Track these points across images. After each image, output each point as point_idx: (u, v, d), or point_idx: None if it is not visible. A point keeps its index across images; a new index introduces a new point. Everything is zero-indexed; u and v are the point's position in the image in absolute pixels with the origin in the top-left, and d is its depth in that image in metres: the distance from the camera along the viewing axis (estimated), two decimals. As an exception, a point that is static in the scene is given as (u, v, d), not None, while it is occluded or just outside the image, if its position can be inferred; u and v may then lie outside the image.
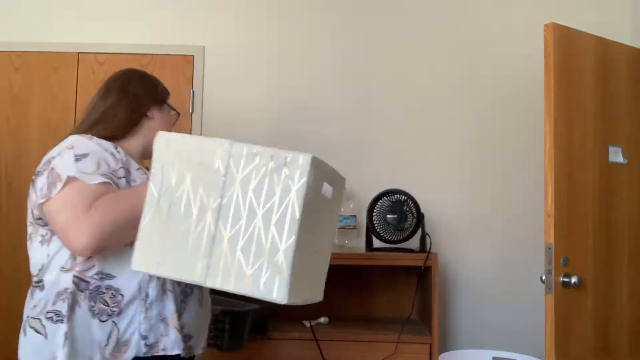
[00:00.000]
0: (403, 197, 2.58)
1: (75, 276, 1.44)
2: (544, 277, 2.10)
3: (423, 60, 3.10)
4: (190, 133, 3.07)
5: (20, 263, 3.01)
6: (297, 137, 3.07)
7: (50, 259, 1.48)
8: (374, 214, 2.62)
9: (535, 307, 2.95)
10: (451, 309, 2.98)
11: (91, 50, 3.11)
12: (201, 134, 3.08)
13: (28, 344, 1.46)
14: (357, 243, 2.87)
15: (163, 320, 1.49)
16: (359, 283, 2.89)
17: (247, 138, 2.99)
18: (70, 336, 1.40)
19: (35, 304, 1.47)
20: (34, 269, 1.53)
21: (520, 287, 2.96)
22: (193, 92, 3.09)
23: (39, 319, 1.44)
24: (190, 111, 3.08)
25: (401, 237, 2.56)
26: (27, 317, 1.48)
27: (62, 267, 1.46)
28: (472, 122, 3.06)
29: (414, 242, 2.71)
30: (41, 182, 1.52)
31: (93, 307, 1.44)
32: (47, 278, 1.47)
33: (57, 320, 1.42)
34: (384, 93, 3.09)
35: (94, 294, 1.44)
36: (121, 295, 1.45)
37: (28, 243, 1.58)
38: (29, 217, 1.62)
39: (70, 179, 1.46)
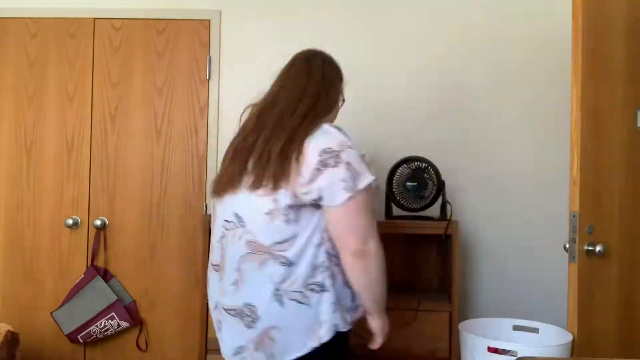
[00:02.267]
0: (423, 164, 2.53)
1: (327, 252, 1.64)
2: (567, 246, 2.05)
3: (443, 21, 3.01)
4: (208, 99, 3.05)
5: (38, 214, 3.05)
6: (315, 104, 3.02)
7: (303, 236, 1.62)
8: (394, 181, 2.58)
9: (558, 276, 2.92)
10: (472, 278, 2.96)
11: (107, 15, 3.08)
12: (218, 101, 3.05)
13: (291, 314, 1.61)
14: (377, 210, 2.84)
15: None
16: (378, 251, 2.87)
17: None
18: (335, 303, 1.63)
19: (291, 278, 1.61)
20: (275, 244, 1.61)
21: (543, 256, 2.93)
22: (210, 57, 3.05)
23: (300, 291, 1.60)
24: (207, 77, 3.05)
25: (421, 205, 2.52)
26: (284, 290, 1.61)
27: (317, 244, 1.62)
28: (495, 86, 2.98)
29: (434, 210, 2.67)
30: (333, 174, 1.59)
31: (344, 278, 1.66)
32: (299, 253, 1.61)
33: (319, 291, 1.61)
34: (405, 54, 3.02)
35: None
36: None
37: (266, 217, 1.61)
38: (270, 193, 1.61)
39: (369, 185, 1.63)
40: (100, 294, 2.90)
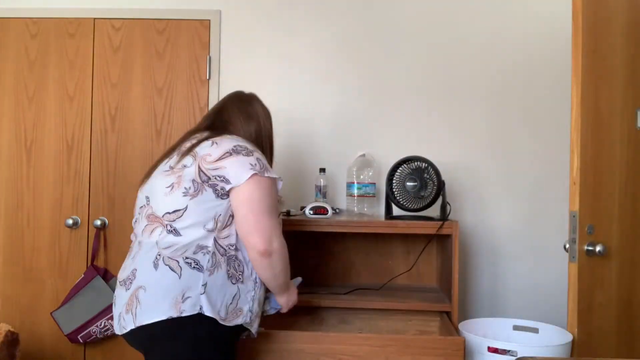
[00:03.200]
0: (423, 164, 2.53)
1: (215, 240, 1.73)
2: (567, 246, 2.05)
3: (443, 23, 3.01)
4: (208, 99, 3.05)
5: (38, 214, 3.05)
6: (314, 102, 3.03)
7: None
8: (394, 181, 2.58)
9: (558, 276, 2.92)
10: (472, 277, 2.96)
11: (107, 15, 3.08)
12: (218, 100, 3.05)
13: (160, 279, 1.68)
14: (376, 211, 2.85)
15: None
16: (378, 251, 2.87)
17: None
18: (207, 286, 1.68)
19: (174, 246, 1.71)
20: (173, 214, 1.73)
21: (543, 256, 2.93)
22: (210, 57, 3.05)
23: (176, 260, 1.68)
24: (207, 77, 3.05)
25: (421, 205, 2.52)
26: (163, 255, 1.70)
27: (209, 229, 1.72)
28: (495, 86, 2.98)
29: (434, 210, 2.67)
30: (242, 159, 1.75)
31: (228, 270, 1.72)
32: (186, 227, 1.71)
33: (194, 268, 1.68)
34: (406, 52, 3.02)
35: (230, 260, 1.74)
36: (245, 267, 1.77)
37: (166, 189, 1.76)
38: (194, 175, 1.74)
39: (275, 178, 1.82)
40: (100, 294, 2.90)
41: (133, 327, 1.65)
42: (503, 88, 2.98)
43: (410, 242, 2.86)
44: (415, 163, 2.55)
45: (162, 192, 1.76)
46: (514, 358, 1.95)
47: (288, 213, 2.67)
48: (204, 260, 1.68)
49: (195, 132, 1.90)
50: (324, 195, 2.83)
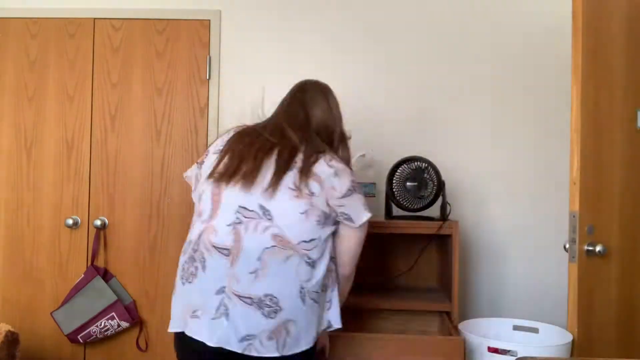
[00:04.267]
0: (424, 164, 2.53)
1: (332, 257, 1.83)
2: (567, 246, 2.05)
3: (444, 23, 3.01)
4: (208, 99, 3.05)
5: (38, 214, 3.05)
6: (315, 104, 3.02)
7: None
8: (394, 181, 2.58)
9: (558, 276, 2.92)
10: (472, 277, 2.96)
11: (107, 15, 3.08)
12: (218, 101, 3.05)
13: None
14: (376, 211, 2.85)
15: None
16: (379, 251, 2.87)
17: (263, 104, 2.97)
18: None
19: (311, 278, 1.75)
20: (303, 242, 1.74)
21: (543, 256, 2.93)
22: (209, 57, 3.05)
23: (317, 291, 1.74)
24: (207, 77, 3.05)
25: (421, 205, 2.52)
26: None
27: (330, 251, 1.81)
28: (495, 86, 2.98)
29: (434, 210, 2.67)
30: (358, 198, 1.83)
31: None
32: (319, 256, 1.77)
33: (324, 290, 1.79)
34: (403, 58, 3.02)
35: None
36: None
37: (301, 216, 1.73)
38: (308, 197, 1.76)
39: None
40: (100, 294, 2.90)
41: (277, 355, 1.67)
42: (503, 88, 2.98)
43: (410, 242, 2.86)
44: (415, 163, 2.55)
45: (295, 217, 1.71)
46: (514, 358, 1.95)
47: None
48: (330, 281, 1.82)
49: (288, 130, 1.86)
50: (324, 195, 2.82)
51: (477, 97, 2.99)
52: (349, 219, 1.80)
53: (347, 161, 1.94)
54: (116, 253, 3.04)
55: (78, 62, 3.08)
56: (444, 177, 2.67)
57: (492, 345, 2.01)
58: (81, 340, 2.90)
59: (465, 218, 2.96)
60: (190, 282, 1.72)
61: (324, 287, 1.77)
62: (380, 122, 3.01)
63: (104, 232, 3.05)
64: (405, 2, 3.03)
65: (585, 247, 2.03)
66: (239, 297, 1.66)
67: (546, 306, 2.92)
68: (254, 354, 1.64)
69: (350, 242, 1.85)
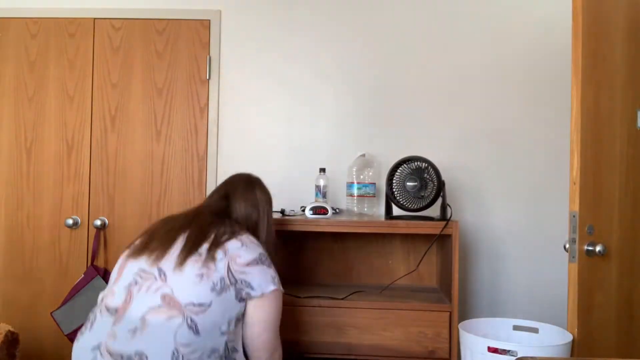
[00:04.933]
0: (424, 164, 2.53)
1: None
2: (567, 246, 2.05)
3: (443, 23, 3.01)
4: (208, 99, 3.05)
5: (38, 214, 3.05)
6: (314, 103, 3.03)
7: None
8: (394, 181, 2.58)
9: (558, 276, 2.92)
10: (472, 277, 2.96)
11: (107, 15, 3.08)
12: (218, 101, 3.05)
13: None
14: (376, 211, 2.85)
15: None
16: (378, 251, 2.87)
17: (263, 104, 2.99)
18: None
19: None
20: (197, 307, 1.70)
21: (543, 256, 2.93)
22: (210, 57, 3.05)
23: None
24: (207, 77, 3.05)
25: (421, 205, 2.52)
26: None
27: (223, 332, 1.72)
28: (495, 86, 2.98)
29: (434, 210, 2.67)
30: (266, 269, 1.84)
31: None
32: (207, 327, 1.69)
33: None
34: (406, 52, 3.02)
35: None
36: None
37: (195, 278, 1.72)
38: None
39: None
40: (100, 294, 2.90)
41: None
42: (503, 88, 2.98)
43: (410, 242, 2.86)
44: (415, 163, 2.55)
45: (190, 278, 1.70)
46: (514, 358, 1.95)
47: (282, 212, 2.68)
48: None
49: (205, 214, 1.94)
50: (324, 195, 2.82)
51: (477, 97, 2.99)
52: (249, 286, 1.77)
53: (269, 243, 2.03)
54: (116, 253, 3.04)
55: (78, 62, 3.08)
56: (444, 177, 2.67)
57: (492, 345, 2.01)
58: (81, 340, 2.90)
59: (465, 218, 2.96)
60: (77, 341, 1.75)
61: None
62: (380, 121, 3.01)
63: (104, 232, 3.05)
64: (405, 2, 3.03)
65: (585, 247, 2.03)
66: (111, 354, 1.62)
67: (546, 306, 2.92)
68: None
69: (254, 319, 1.79)
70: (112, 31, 3.08)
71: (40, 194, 3.07)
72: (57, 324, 2.91)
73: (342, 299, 2.42)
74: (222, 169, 3.05)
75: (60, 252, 3.05)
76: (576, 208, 2.02)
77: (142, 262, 1.78)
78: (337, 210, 2.84)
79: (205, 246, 1.78)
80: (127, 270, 1.78)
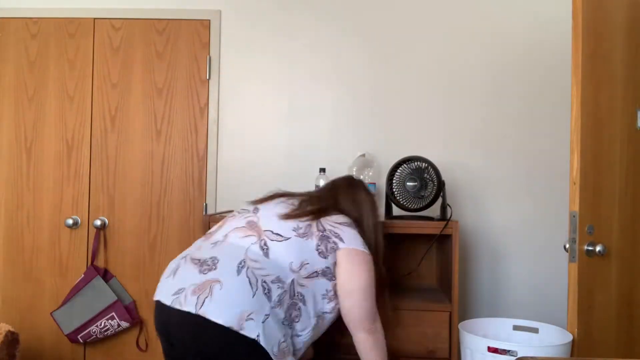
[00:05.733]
0: (423, 164, 2.53)
1: None
2: (567, 246, 2.05)
3: (443, 23, 3.01)
4: (208, 99, 3.05)
5: (38, 215, 3.05)
6: (313, 104, 3.03)
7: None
8: (394, 181, 2.58)
9: (558, 276, 2.92)
10: (472, 277, 2.96)
11: (107, 15, 3.08)
12: (218, 101, 3.05)
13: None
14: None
15: None
16: (378, 251, 2.87)
17: (263, 103, 2.99)
18: None
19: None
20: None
21: (543, 256, 2.93)
22: (210, 57, 3.05)
23: (262, 282, 1.75)
24: (207, 77, 3.05)
25: (421, 205, 2.52)
26: None
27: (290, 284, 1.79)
28: (495, 86, 2.98)
29: (434, 210, 2.67)
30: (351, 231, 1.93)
31: (287, 312, 1.80)
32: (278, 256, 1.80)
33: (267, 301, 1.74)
34: (403, 57, 3.02)
35: None
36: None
37: (284, 222, 1.87)
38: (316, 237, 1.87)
39: None
40: (100, 294, 2.90)
41: (193, 311, 1.63)
42: (503, 88, 2.98)
43: (410, 242, 2.86)
44: (415, 163, 2.55)
45: (277, 214, 1.88)
46: (514, 358, 1.95)
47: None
48: (275, 293, 1.71)
49: (313, 198, 2.04)
50: (324, 195, 2.82)
51: (477, 97, 2.99)
52: (339, 237, 1.85)
53: (371, 245, 2.03)
54: (116, 253, 3.04)
55: (78, 62, 3.08)
56: (444, 177, 2.67)
57: (492, 345, 2.01)
58: (81, 340, 2.90)
59: (465, 218, 2.96)
60: (159, 287, 1.85)
61: (273, 296, 1.70)
62: (379, 121, 3.01)
63: (104, 232, 3.05)
64: (404, 3, 3.03)
65: (585, 247, 2.03)
66: (192, 259, 1.78)
67: (546, 306, 2.91)
68: (177, 306, 1.67)
69: (350, 287, 1.83)
70: (112, 31, 3.08)
71: (40, 194, 3.07)
72: (57, 324, 2.91)
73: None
74: (222, 169, 3.05)
75: (60, 252, 3.05)
76: (576, 208, 2.02)
77: (249, 207, 1.98)
78: (337, 210, 2.84)
79: (302, 203, 1.94)
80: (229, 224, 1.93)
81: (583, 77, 2.03)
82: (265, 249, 1.77)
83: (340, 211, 2.01)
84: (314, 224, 1.86)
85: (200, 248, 1.83)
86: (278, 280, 1.72)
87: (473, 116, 2.98)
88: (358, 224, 2.02)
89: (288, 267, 1.76)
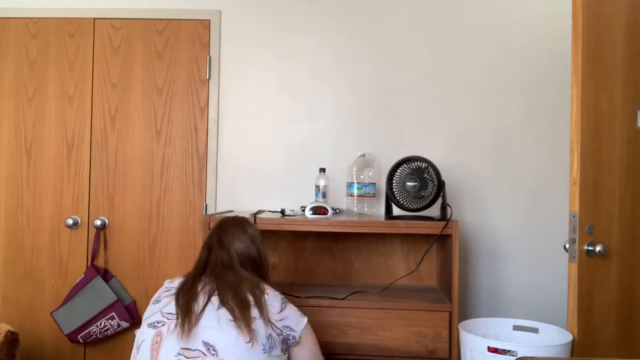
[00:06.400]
0: (423, 164, 2.53)
1: None
2: (567, 246, 2.05)
3: (443, 23, 3.01)
4: (208, 99, 3.05)
5: (38, 215, 3.05)
6: (314, 103, 3.03)
7: None
8: (394, 181, 2.58)
9: (558, 276, 2.92)
10: (472, 277, 2.96)
11: (107, 15, 3.08)
12: (218, 101, 3.05)
13: None
14: (376, 211, 2.85)
15: None
16: (378, 251, 2.87)
17: (262, 105, 2.98)
18: None
19: None
20: None
21: (543, 256, 2.93)
22: (210, 57, 3.05)
23: None
24: (207, 77, 3.05)
25: (421, 205, 2.52)
26: None
27: None
28: (495, 86, 2.98)
29: (434, 210, 2.67)
30: (292, 308, 1.91)
31: None
32: None
33: None
34: (403, 57, 3.02)
35: None
36: None
37: (246, 345, 1.74)
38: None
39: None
40: (100, 294, 2.90)
41: None
42: (503, 88, 2.98)
43: (410, 242, 2.86)
44: (415, 163, 2.55)
45: (242, 348, 1.71)
46: (514, 358, 1.95)
47: (282, 212, 2.67)
48: None
49: (218, 271, 1.95)
50: (324, 195, 2.82)
51: (477, 97, 2.99)
52: (290, 328, 1.84)
53: (268, 275, 2.13)
54: (116, 253, 3.04)
55: (78, 62, 3.08)
56: (444, 177, 2.67)
57: (492, 345, 2.01)
58: (81, 340, 2.90)
59: (465, 218, 2.96)
60: None
61: None
62: (379, 121, 3.01)
63: (104, 232, 3.05)
64: (405, 3, 3.03)
65: (585, 247, 2.03)
66: None
67: (546, 306, 2.91)
68: None
69: (305, 353, 1.89)
70: (112, 31, 3.08)
71: (40, 194, 3.07)
72: (57, 324, 2.91)
73: (342, 299, 2.42)
74: (222, 169, 3.05)
75: (60, 252, 3.05)
76: (576, 208, 2.02)
77: (177, 340, 1.73)
78: (337, 210, 2.84)
79: (232, 308, 1.78)
80: (165, 353, 1.73)
81: (583, 77, 2.03)
82: None
83: (240, 262, 2.00)
84: (264, 324, 1.79)
85: None
86: None
87: (473, 116, 2.98)
88: (255, 261, 2.05)
89: None
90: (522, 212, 2.95)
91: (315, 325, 2.38)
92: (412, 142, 2.99)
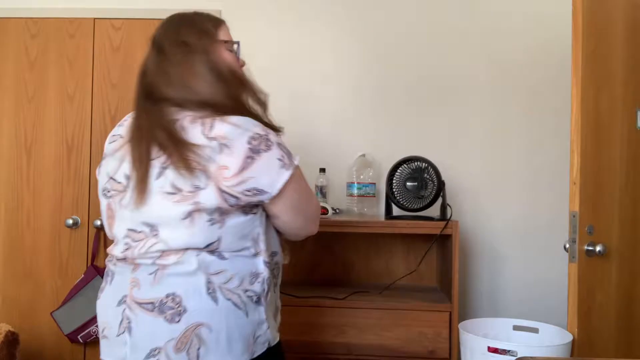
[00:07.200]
0: (423, 164, 2.53)
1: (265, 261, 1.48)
2: (567, 246, 2.05)
3: (443, 22, 3.01)
4: (208, 99, 3.05)
5: (38, 215, 3.05)
6: (314, 103, 3.03)
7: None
8: (394, 181, 2.58)
9: (558, 276, 2.92)
10: (472, 277, 2.96)
11: (107, 15, 3.08)
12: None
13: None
14: (376, 211, 2.85)
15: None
16: (378, 251, 2.87)
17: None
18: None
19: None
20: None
21: (543, 256, 2.93)
22: (210, 57, 3.04)
23: (237, 294, 1.41)
24: (207, 77, 3.04)
25: (421, 205, 2.52)
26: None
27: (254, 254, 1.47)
28: (495, 86, 2.98)
29: (434, 210, 2.67)
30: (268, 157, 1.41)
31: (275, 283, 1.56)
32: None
33: (256, 302, 1.45)
34: (403, 57, 3.02)
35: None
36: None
37: (201, 222, 1.37)
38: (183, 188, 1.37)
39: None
40: (100, 294, 2.90)
41: None
42: (503, 88, 2.98)
43: (410, 242, 2.86)
44: (415, 163, 2.55)
45: (179, 224, 1.37)
46: (514, 358, 1.95)
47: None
48: (261, 290, 1.45)
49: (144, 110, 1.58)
50: (324, 195, 2.82)
51: (477, 97, 2.99)
52: (257, 191, 1.39)
53: (231, 84, 1.61)
54: (116, 253, 3.04)
55: (78, 62, 3.08)
56: (444, 177, 2.67)
57: (492, 345, 2.01)
58: (81, 340, 2.90)
59: (465, 218, 2.96)
60: (99, 299, 1.50)
61: (252, 294, 1.42)
62: (380, 121, 3.01)
63: (104, 232, 3.05)
64: (405, 2, 3.03)
65: (585, 247, 2.03)
66: (140, 304, 1.37)
67: (546, 306, 2.91)
68: None
69: (285, 214, 1.50)
70: (112, 31, 3.08)
71: (40, 194, 3.07)
72: (57, 324, 2.91)
73: (342, 299, 2.42)
74: (222, 169, 3.04)
75: (60, 252, 3.05)
76: (576, 208, 2.02)
77: (129, 217, 1.43)
78: (337, 210, 2.84)
79: (173, 172, 1.37)
80: (118, 222, 1.47)
81: (583, 77, 2.03)
82: (219, 255, 1.41)
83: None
84: (215, 196, 1.37)
85: (139, 284, 1.39)
86: (255, 276, 1.45)
87: (473, 116, 2.98)
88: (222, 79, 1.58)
89: (251, 258, 1.46)
90: (522, 212, 2.95)
91: (315, 325, 2.37)
92: (412, 142, 2.99)
